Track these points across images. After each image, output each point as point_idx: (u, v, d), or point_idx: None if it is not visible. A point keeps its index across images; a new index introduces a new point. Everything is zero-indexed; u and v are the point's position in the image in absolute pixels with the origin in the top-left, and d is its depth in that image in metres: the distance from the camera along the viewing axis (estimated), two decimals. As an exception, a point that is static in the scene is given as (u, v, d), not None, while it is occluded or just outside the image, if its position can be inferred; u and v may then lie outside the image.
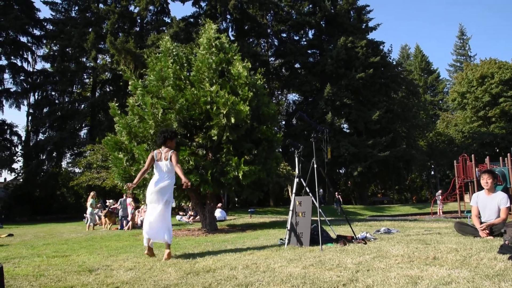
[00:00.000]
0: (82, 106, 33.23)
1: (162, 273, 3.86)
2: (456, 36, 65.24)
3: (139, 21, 33.66)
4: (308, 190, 6.05)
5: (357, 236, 5.92)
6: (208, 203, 9.83)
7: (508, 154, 20.80)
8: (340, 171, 37.79)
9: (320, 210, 5.54)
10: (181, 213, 18.09)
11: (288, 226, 5.86)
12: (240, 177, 8.41)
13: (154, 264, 4.46)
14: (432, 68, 61.08)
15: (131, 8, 33.00)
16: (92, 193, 15.01)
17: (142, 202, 14.21)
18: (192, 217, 15.98)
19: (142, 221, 14.21)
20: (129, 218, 13.55)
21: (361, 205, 34.47)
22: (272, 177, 10.22)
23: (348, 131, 36.51)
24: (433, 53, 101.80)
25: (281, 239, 6.23)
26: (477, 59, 55.34)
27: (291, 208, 5.86)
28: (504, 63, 42.25)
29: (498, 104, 40.80)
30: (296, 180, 6.18)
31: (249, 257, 4.67)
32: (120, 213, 13.83)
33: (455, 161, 23.83)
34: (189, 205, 16.09)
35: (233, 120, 8.37)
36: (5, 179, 33.95)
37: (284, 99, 42.20)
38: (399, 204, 39.26)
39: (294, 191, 6.11)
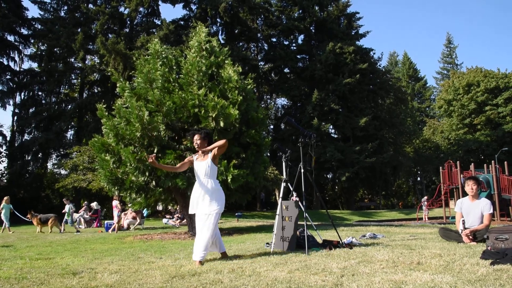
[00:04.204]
0: (69, 107, 32.80)
1: (147, 277, 3.83)
2: (444, 44, 66.33)
3: (128, 22, 33.42)
4: (295, 195, 6.08)
5: (343, 241, 5.95)
6: (195, 206, 9.78)
7: (493, 161, 21.18)
8: (328, 176, 37.97)
9: (306, 215, 5.57)
10: (167, 216, 17.99)
11: (275, 230, 5.86)
12: (229, 180, 8.40)
13: (139, 267, 4.42)
14: (419, 76, 61.82)
15: (121, 9, 32.80)
16: (5, 198, 14.61)
17: (129, 205, 14.10)
18: (179, 220, 15.90)
19: (128, 224, 14.11)
20: (115, 221, 13.44)
21: (348, 210, 34.68)
22: (260, 181, 10.23)
23: (335, 136, 36.75)
24: (420, 61, 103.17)
25: (267, 243, 6.24)
26: (464, 67, 56.25)
27: (278, 212, 5.87)
28: (490, 71, 42.98)
29: (483, 112, 41.47)
30: (283, 184, 6.20)
31: (235, 261, 4.67)
32: (75, 215, 13.50)
33: (440, 167, 24.13)
34: (176, 208, 16.01)
35: (222, 124, 8.38)
36: (-12, 179, 33.38)
37: (273, 103, 42.33)
38: (386, 209, 39.55)
39: (281, 195, 6.13)
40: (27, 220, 14.28)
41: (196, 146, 4.91)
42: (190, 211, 4.88)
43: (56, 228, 13.71)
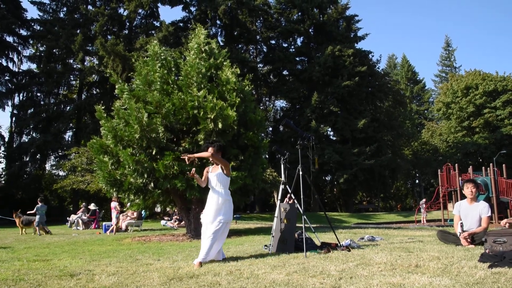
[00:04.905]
0: (68, 108, 32.72)
1: (145, 279, 3.83)
2: (442, 47, 66.43)
3: (128, 24, 33.44)
4: (293, 197, 6.08)
5: (341, 244, 5.94)
6: (193, 208, 9.77)
7: (491, 164, 21.21)
8: (326, 178, 37.98)
9: (305, 217, 5.56)
10: (166, 218, 17.97)
11: (273, 232, 5.86)
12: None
13: (137, 269, 4.42)
14: (418, 78, 61.97)
15: (120, 10, 32.79)
16: None
17: (127, 207, 14.08)
18: (177, 222, 15.88)
19: (126, 226, 14.09)
20: (113, 223, 13.41)
21: (347, 212, 34.69)
22: (258, 183, 10.22)
23: (334, 138, 36.78)
24: (419, 63, 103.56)
25: (265, 245, 6.23)
26: (462, 70, 56.46)
27: (276, 214, 5.86)
28: (488, 74, 43.09)
29: (482, 114, 41.55)
30: (281, 186, 6.20)
31: (233, 263, 4.67)
32: (37, 218, 13.16)
33: (439, 170, 24.16)
34: (175, 210, 15.99)
35: (220, 125, 8.37)
36: (-14, 181, 33.28)
37: (271, 105, 42.36)
38: (384, 212, 39.59)
39: (279, 197, 6.13)
40: (13, 219, 14.18)
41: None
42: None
43: (42, 230, 13.31)
